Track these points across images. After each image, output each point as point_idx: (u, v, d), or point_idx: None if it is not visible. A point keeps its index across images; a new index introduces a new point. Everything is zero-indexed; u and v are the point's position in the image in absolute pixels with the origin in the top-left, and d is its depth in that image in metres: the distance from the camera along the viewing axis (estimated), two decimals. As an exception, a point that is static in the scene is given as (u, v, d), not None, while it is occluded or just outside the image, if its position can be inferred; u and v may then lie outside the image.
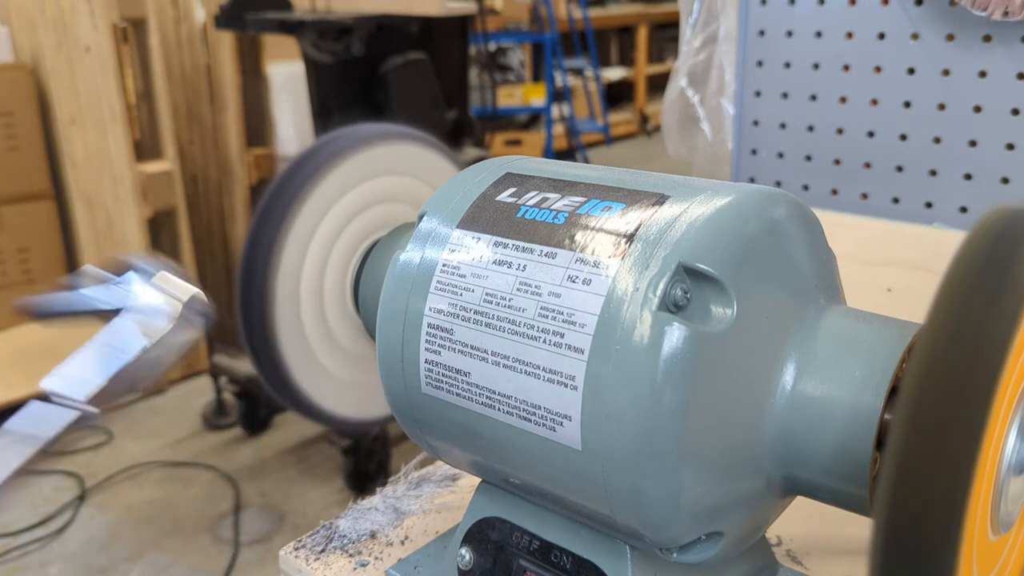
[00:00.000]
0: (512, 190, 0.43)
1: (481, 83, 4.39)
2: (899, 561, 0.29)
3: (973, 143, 0.93)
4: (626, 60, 6.04)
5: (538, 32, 4.71)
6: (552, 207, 0.40)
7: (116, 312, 0.37)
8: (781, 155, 1.07)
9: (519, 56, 5.02)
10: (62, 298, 0.40)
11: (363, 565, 0.51)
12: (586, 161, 4.62)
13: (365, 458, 2.04)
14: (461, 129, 2.40)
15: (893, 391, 0.34)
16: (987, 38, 0.89)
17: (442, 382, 0.41)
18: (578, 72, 5.16)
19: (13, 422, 0.34)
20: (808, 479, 0.37)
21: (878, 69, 0.97)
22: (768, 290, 0.37)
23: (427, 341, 0.41)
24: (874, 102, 0.98)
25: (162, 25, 2.51)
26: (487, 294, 0.39)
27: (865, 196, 1.02)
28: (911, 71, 0.95)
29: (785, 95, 1.05)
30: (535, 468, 0.39)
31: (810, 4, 1.00)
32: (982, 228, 0.33)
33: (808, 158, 1.05)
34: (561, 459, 0.37)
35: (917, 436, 0.28)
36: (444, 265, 0.41)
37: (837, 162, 1.03)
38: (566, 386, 0.36)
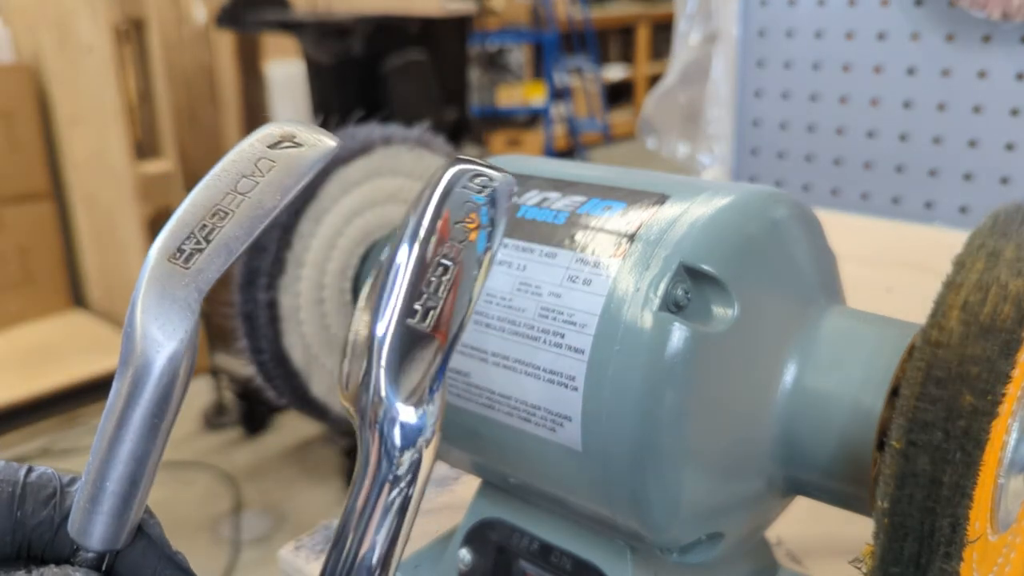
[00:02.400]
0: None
1: (481, 83, 4.40)
2: (900, 561, 0.29)
3: (973, 143, 0.93)
4: (626, 60, 6.04)
5: (538, 32, 4.71)
6: (552, 207, 0.40)
7: None
8: (781, 155, 1.07)
9: (519, 56, 5.02)
10: None
11: (363, 565, 0.51)
12: (586, 161, 4.61)
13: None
14: (461, 129, 2.40)
15: (894, 391, 0.34)
16: (987, 38, 0.89)
17: (442, 382, 0.41)
18: (578, 72, 5.16)
19: None
20: (809, 479, 0.37)
21: (878, 69, 0.97)
22: (769, 290, 0.37)
23: (427, 341, 0.41)
24: (874, 102, 0.98)
25: (162, 25, 2.51)
26: (487, 294, 0.39)
27: (865, 196, 1.02)
28: (911, 71, 0.95)
29: (785, 95, 1.05)
30: (535, 469, 0.39)
31: (810, 4, 1.00)
32: (983, 229, 0.33)
33: (808, 158, 1.05)
34: (561, 460, 0.37)
35: (917, 436, 0.28)
36: (444, 265, 0.41)
37: (837, 162, 1.03)
38: (566, 387, 0.36)
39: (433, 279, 0.25)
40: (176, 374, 0.25)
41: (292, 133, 0.28)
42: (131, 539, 0.27)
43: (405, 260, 0.25)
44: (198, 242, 0.26)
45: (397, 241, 0.25)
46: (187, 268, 0.26)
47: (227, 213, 0.27)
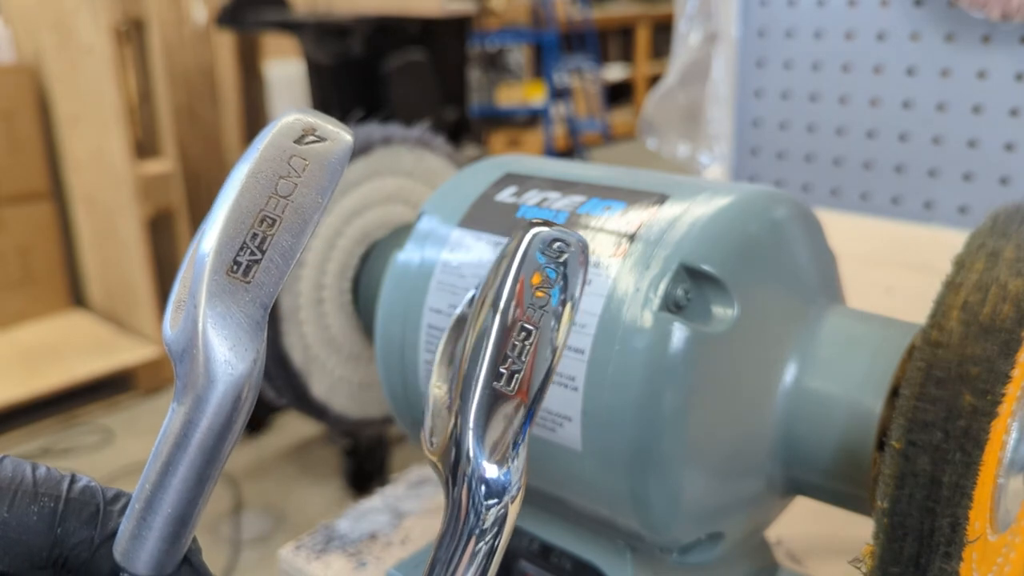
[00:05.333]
0: (513, 189, 0.43)
1: (481, 83, 4.40)
2: (899, 561, 0.29)
3: (973, 143, 0.93)
4: (626, 60, 6.04)
5: (538, 32, 4.71)
6: (552, 207, 0.40)
7: None
8: (781, 155, 1.07)
9: (519, 56, 5.02)
10: None
11: (363, 565, 0.51)
12: (586, 161, 4.60)
13: (365, 458, 2.04)
14: (461, 129, 2.40)
15: (894, 391, 0.34)
16: (986, 39, 0.89)
17: (442, 382, 0.41)
18: (578, 72, 5.16)
19: None
20: (809, 479, 0.37)
21: (878, 69, 0.97)
22: (769, 290, 0.37)
23: (427, 341, 0.41)
24: (874, 102, 0.98)
25: (162, 25, 2.51)
26: (487, 294, 0.39)
27: (865, 196, 1.02)
28: (911, 71, 0.95)
29: (785, 95, 1.05)
30: (535, 469, 0.39)
31: (810, 4, 1.00)
32: (983, 229, 0.33)
33: (808, 158, 1.05)
34: (561, 460, 0.37)
35: (917, 436, 0.28)
36: (444, 264, 0.41)
37: (837, 162, 1.03)
38: (566, 387, 0.36)
39: (517, 343, 0.26)
40: (246, 395, 0.24)
41: (312, 125, 0.27)
42: (177, 566, 0.26)
43: (491, 327, 0.26)
44: (252, 252, 0.25)
45: (479, 306, 0.27)
46: (248, 282, 0.25)
47: (275, 219, 0.26)
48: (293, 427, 2.31)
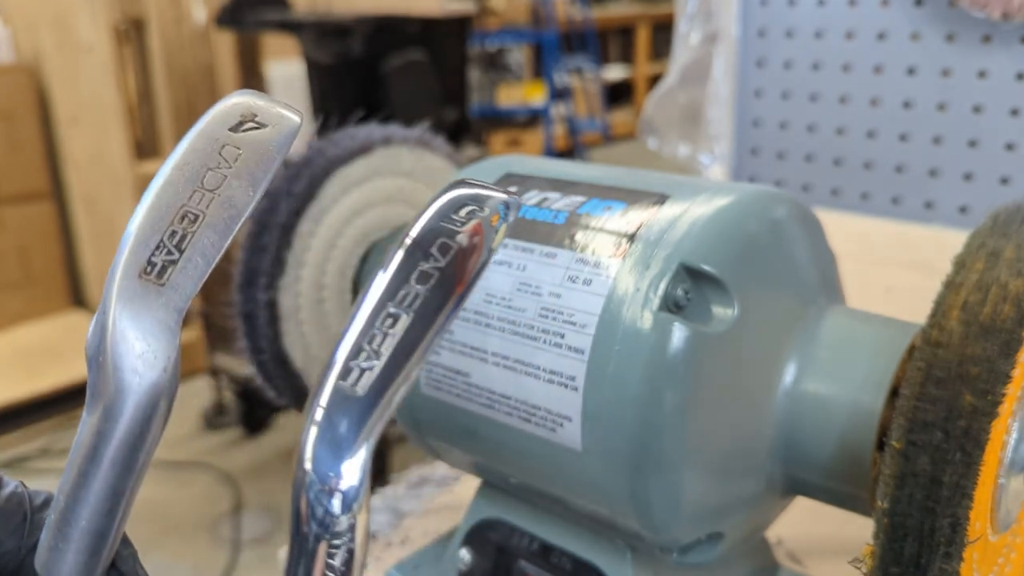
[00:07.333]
0: (512, 190, 0.43)
1: (481, 83, 4.40)
2: (899, 561, 0.29)
3: (973, 143, 0.93)
4: (626, 60, 6.04)
5: (538, 32, 4.71)
6: (552, 207, 0.40)
7: None
8: (781, 155, 1.07)
9: (519, 56, 5.02)
10: None
11: (363, 565, 0.51)
12: (586, 161, 4.59)
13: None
14: (461, 129, 2.40)
15: (894, 391, 0.34)
16: (987, 38, 0.89)
17: (442, 383, 0.41)
18: (578, 72, 5.16)
19: None
20: (809, 479, 0.37)
21: (878, 69, 0.97)
22: (769, 290, 0.37)
23: (427, 341, 0.41)
24: (874, 102, 0.98)
25: (162, 25, 2.51)
26: (487, 294, 0.39)
27: (865, 196, 1.02)
28: (911, 71, 0.95)
29: (785, 95, 1.05)
30: (535, 469, 0.39)
31: (810, 4, 1.00)
32: (983, 229, 0.33)
33: (808, 158, 1.05)
34: (561, 460, 0.37)
35: (917, 436, 0.28)
36: (444, 265, 0.41)
37: (837, 162, 1.03)
38: (566, 387, 0.36)
39: (378, 333, 0.22)
40: (157, 405, 0.23)
41: (253, 111, 0.25)
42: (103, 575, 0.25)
43: (356, 309, 0.22)
44: (169, 252, 0.23)
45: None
46: (162, 284, 0.23)
47: (197, 215, 0.24)
48: (293, 427, 2.31)
